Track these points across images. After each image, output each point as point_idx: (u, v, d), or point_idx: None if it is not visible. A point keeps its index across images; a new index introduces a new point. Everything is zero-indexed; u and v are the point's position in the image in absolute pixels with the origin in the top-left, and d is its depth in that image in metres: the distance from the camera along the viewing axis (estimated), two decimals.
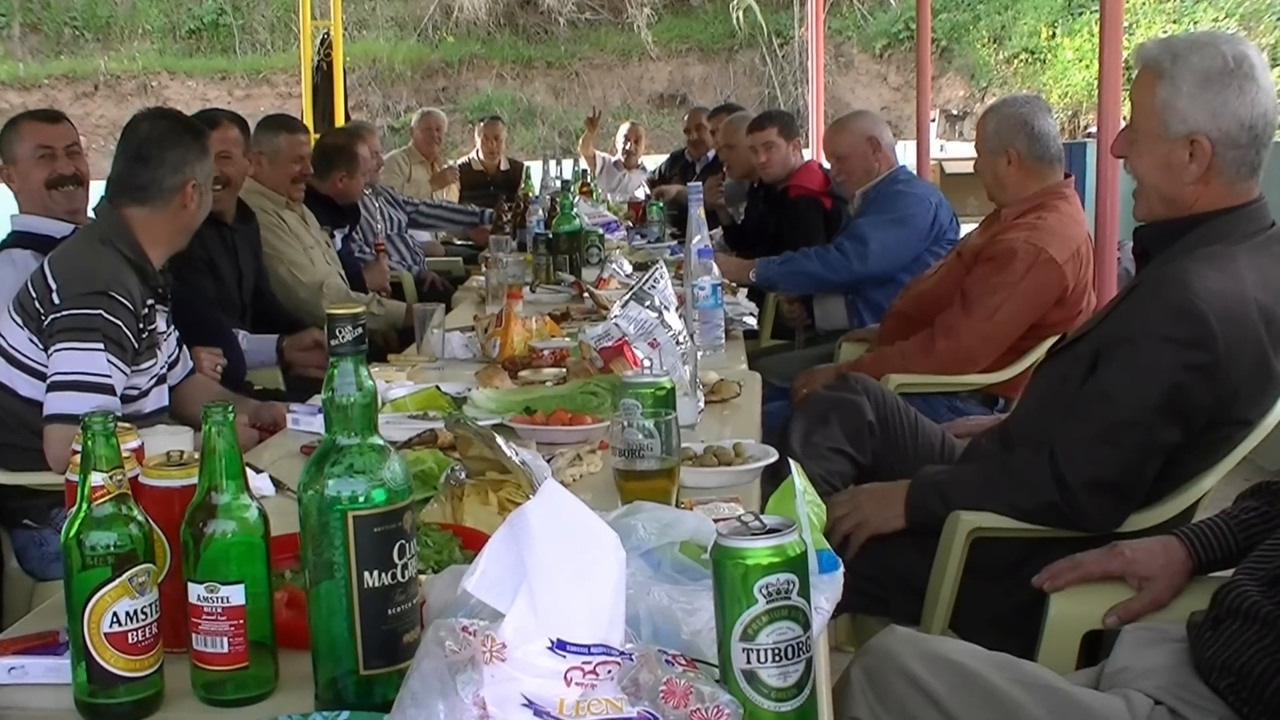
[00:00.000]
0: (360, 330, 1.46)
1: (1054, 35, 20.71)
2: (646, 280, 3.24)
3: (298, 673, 1.60)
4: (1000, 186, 4.38)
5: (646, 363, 2.77)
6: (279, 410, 3.48)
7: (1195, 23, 19.75)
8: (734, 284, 5.40)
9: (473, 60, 23.18)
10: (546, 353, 3.62)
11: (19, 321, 3.39)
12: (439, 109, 11.57)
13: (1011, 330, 4.27)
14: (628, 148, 11.30)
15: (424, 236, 8.41)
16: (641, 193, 9.91)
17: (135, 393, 3.43)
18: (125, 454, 1.64)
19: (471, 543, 2.00)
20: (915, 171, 7.29)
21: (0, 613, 3.47)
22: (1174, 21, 19.82)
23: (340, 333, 1.45)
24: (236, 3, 23.83)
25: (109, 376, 3.26)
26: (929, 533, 2.88)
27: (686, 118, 10.61)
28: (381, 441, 1.50)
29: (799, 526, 1.39)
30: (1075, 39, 20.30)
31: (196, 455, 1.66)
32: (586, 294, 4.91)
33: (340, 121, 10.84)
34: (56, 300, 3.31)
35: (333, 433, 1.49)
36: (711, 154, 9.44)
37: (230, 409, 1.57)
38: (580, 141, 11.78)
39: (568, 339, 3.85)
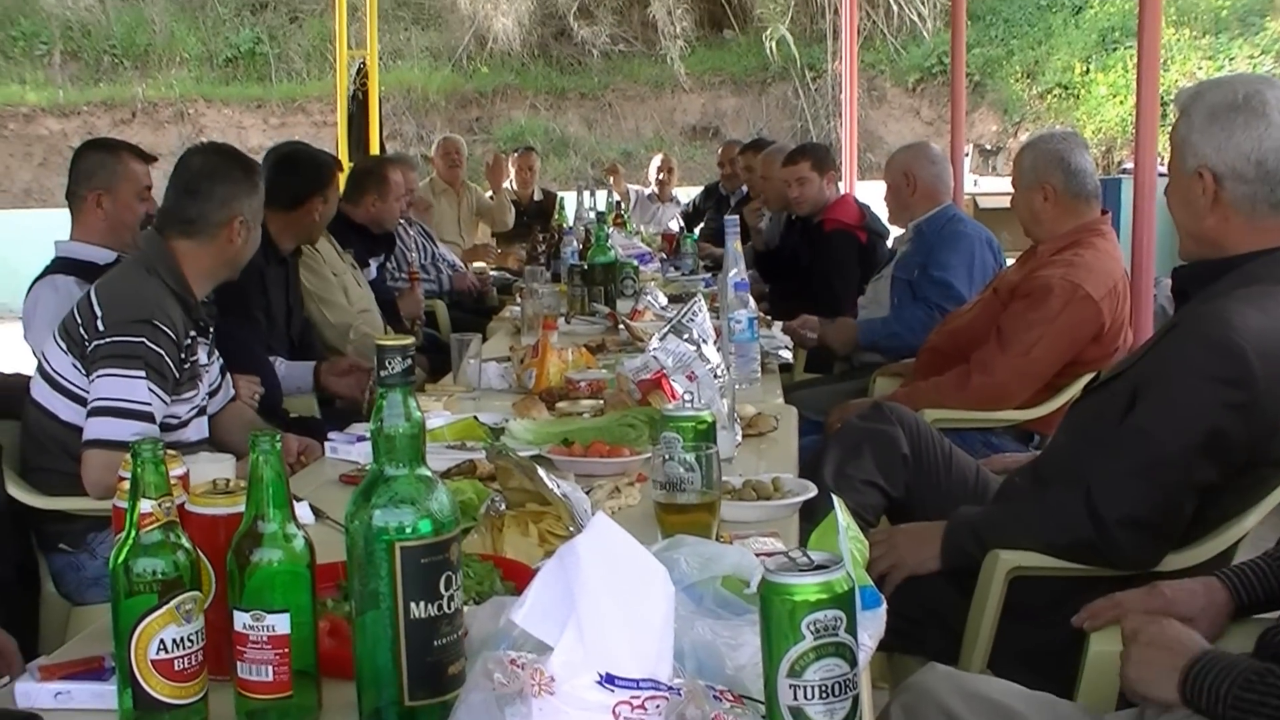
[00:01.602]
0: (410, 362, 1.47)
1: (1088, 70, 20.65)
2: (685, 313, 3.26)
3: (339, 701, 1.61)
4: (1036, 222, 4.37)
5: (687, 396, 2.78)
6: (288, 442, 3.48)
7: (1230, 59, 19.68)
8: (839, 347, 5.52)
9: (506, 90, 23.26)
10: (583, 384, 3.64)
11: (63, 346, 3.41)
12: (463, 137, 11.60)
13: (1047, 367, 4.25)
14: (660, 178, 11.34)
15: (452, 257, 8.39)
16: (675, 224, 9.93)
17: (175, 422, 3.44)
18: (172, 481, 1.64)
19: (512, 574, 2.01)
20: None
21: (36, 637, 3.48)
22: (1208, 58, 19.75)
23: (389, 363, 1.46)
24: (273, 32, 23.97)
25: (149, 404, 3.29)
26: (965, 573, 2.87)
27: (720, 151, 10.64)
28: (429, 472, 1.51)
29: (845, 563, 1.39)
30: (1109, 74, 20.24)
31: (242, 483, 1.67)
32: (621, 325, 4.92)
33: (375, 150, 10.89)
34: (101, 327, 3.34)
35: (380, 463, 1.49)
36: (745, 189, 9.45)
37: (278, 438, 1.58)
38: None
39: (604, 370, 3.86)
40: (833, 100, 21.39)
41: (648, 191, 11.50)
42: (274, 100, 23.20)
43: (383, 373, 1.46)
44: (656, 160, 11.68)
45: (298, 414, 4.62)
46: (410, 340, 1.47)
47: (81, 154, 4.25)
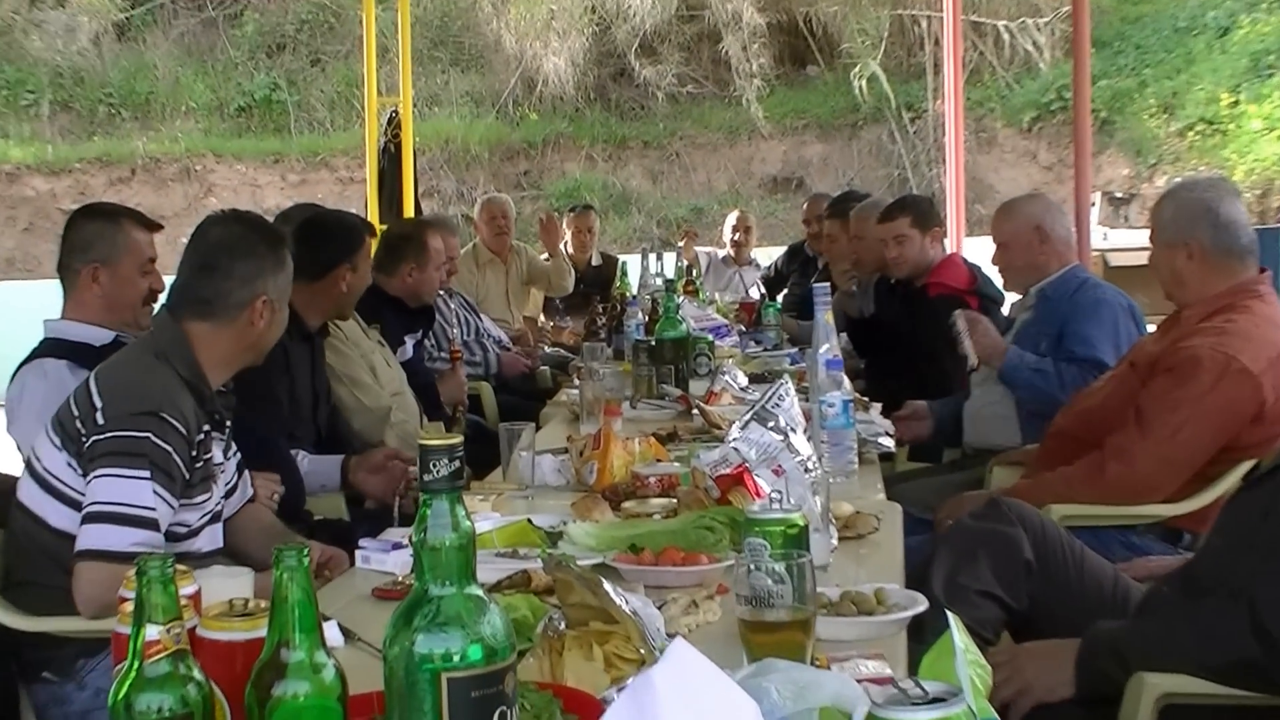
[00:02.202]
0: (458, 464, 1.48)
1: (1236, 102, 20.52)
2: (769, 397, 3.26)
3: None
4: (1180, 284, 4.35)
5: (773, 494, 2.77)
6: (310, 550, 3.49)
7: None
8: (979, 361, 5.39)
9: (559, 140, 23.47)
10: (652, 480, 3.63)
11: (57, 443, 3.43)
12: (510, 194, 11.67)
13: (1196, 453, 4.20)
14: (736, 239, 11.35)
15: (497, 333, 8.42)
16: (754, 291, 9.94)
17: (183, 530, 3.46)
18: (182, 601, 1.65)
19: (574, 704, 2.00)
20: None
21: None
22: None
23: (434, 466, 1.47)
24: (292, 77, 24.33)
25: (153, 509, 3.29)
26: (1105, 700, 2.83)
27: (805, 206, 10.62)
28: (479, 591, 1.51)
29: (964, 694, 1.38)
30: (1263, 105, 20.09)
31: (263, 604, 1.68)
32: (695, 410, 4.92)
33: (410, 210, 10.99)
34: (101, 420, 3.36)
35: (424, 580, 1.50)
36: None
37: (306, 552, 1.59)
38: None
39: (676, 463, 3.86)
40: (934, 145, 21.42)
41: (722, 254, 11.53)
42: (293, 155, 23.52)
43: (426, 477, 1.47)
44: (732, 218, 11.71)
45: (322, 516, 4.65)
46: (458, 440, 1.48)
47: (76, 222, 4.30)
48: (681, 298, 7.30)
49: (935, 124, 21.26)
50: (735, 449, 3.19)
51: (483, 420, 6.97)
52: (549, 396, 6.80)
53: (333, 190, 22.12)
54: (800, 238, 10.61)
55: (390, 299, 6.39)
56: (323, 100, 24.22)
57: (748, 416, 3.25)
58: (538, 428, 4.73)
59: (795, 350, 7.02)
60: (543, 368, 8.30)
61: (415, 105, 13.31)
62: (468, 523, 1.50)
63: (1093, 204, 11.56)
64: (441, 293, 7.18)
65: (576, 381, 5.79)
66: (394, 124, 11.43)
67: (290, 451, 4.69)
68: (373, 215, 10.81)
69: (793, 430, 3.18)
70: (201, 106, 24.30)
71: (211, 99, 24.45)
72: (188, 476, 3.41)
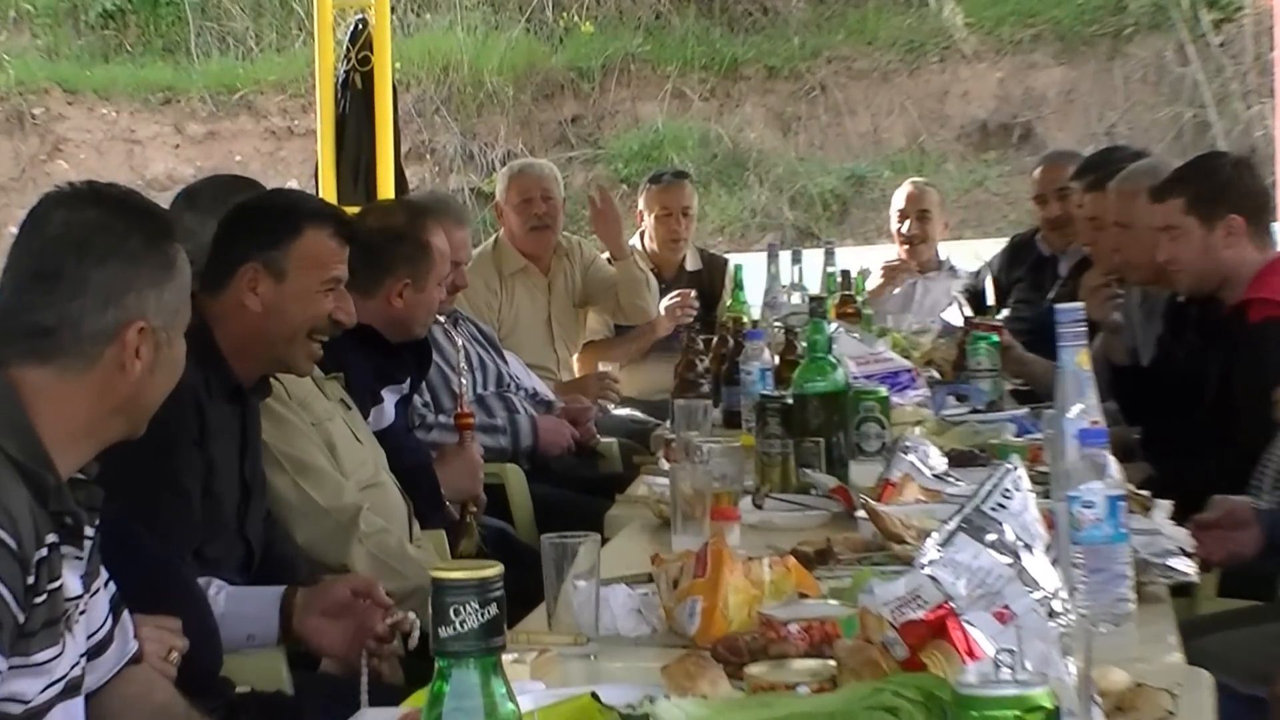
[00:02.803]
0: (495, 610, 1.47)
1: None
2: (986, 494, 3.25)
3: None
4: None
5: (1002, 655, 2.77)
6: None
7: None
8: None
9: (628, 67, 23.50)
10: (794, 628, 3.63)
11: None
12: (552, 157, 11.61)
13: None
14: (905, 230, 11.13)
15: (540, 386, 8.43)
16: (954, 315, 9.88)
17: (17, 709, 3.45)
18: None
19: None
20: None
21: None
22: None
23: (457, 614, 1.47)
24: None
25: None
26: None
27: (1038, 173, 10.55)
28: None
29: None
30: None
31: None
32: (861, 512, 4.91)
33: (387, 185, 11.03)
34: None
35: None
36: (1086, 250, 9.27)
37: None
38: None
39: (833, 601, 3.86)
40: (1255, 66, 21.31)
41: (896, 253, 11.43)
42: (195, 91, 23.69)
43: (445, 631, 1.47)
44: (899, 196, 11.42)
45: (250, 686, 4.65)
46: (494, 572, 1.48)
47: None
48: (836, 325, 7.28)
49: (1257, 31, 21.14)
50: (932, 578, 3.18)
51: (510, 528, 6.98)
52: (619, 488, 6.78)
53: (260, 148, 22.33)
54: (1029, 224, 10.56)
55: (360, 330, 6.31)
56: (244, 3, 24.44)
57: (952, 525, 3.25)
58: (603, 540, 4.74)
59: (1023, 412, 6.98)
60: (607, 440, 8.29)
61: (395, 11, 13.37)
62: (510, 705, 1.50)
63: None
64: (442, 319, 7.11)
65: (664, 464, 5.80)
66: (361, 43, 11.47)
67: (198, 580, 4.69)
68: (326, 190, 10.80)
69: (1027, 548, 3.17)
70: (43, 11, 24.57)
71: (59, 1, 24.68)
72: (21, 619, 3.39)
